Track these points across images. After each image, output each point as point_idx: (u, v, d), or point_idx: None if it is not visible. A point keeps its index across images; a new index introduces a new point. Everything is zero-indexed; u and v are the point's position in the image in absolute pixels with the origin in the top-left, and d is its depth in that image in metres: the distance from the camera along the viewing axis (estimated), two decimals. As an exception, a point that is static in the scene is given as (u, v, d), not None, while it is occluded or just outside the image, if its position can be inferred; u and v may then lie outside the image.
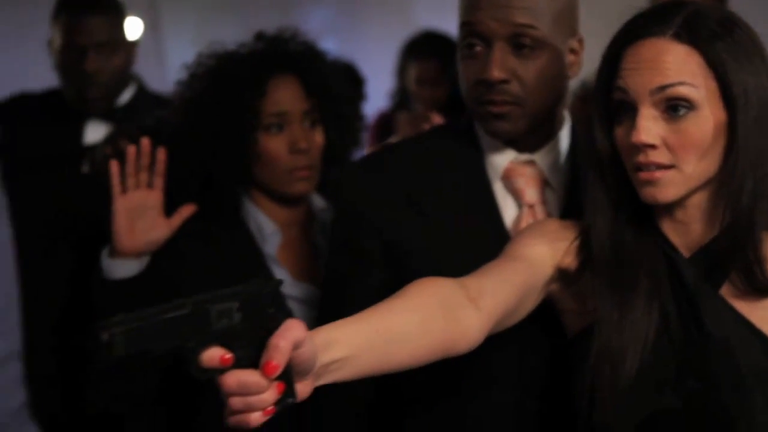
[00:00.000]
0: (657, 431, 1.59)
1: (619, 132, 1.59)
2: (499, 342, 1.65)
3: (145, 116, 2.68)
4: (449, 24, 4.16)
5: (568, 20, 1.82)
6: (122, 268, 2.08)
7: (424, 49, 4.03)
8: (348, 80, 2.43)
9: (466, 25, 1.80)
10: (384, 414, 1.94)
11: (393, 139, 2.36)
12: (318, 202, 2.29)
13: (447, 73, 3.87)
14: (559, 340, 1.74)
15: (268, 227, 2.20)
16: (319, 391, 1.38)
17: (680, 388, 1.58)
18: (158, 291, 2.02)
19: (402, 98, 4.17)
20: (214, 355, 1.22)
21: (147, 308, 1.19)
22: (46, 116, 2.98)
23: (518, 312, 1.63)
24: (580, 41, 1.84)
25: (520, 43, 1.77)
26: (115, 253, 2.09)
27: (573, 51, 1.83)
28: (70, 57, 3.02)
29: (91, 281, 2.10)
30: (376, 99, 4.23)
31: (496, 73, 1.76)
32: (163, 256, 2.12)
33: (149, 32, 3.39)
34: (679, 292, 1.61)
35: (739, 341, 1.58)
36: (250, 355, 1.23)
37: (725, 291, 1.61)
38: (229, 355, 1.22)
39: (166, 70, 5.42)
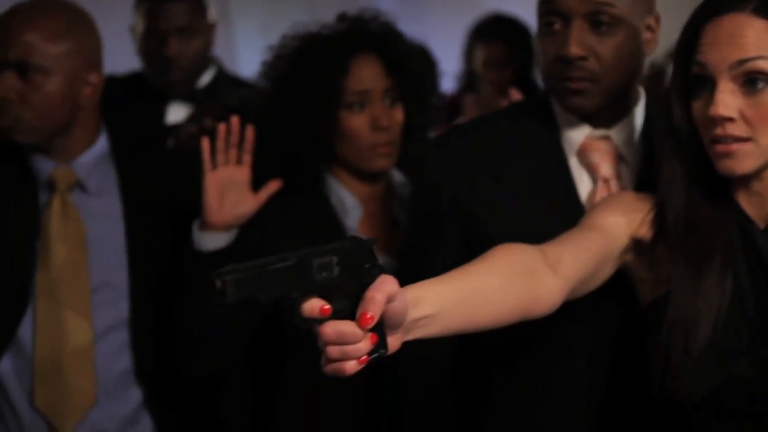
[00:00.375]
0: (730, 398, 1.64)
1: (697, 106, 1.64)
2: (574, 311, 1.71)
3: (227, 96, 2.80)
4: (515, 7, 4.23)
5: None
6: (212, 240, 2.17)
7: (491, 32, 4.07)
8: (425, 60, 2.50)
9: (545, 3, 1.86)
10: (462, 384, 2.02)
11: (460, 120, 2.43)
12: (398, 177, 2.36)
13: (513, 55, 3.94)
14: (633, 310, 1.79)
15: (349, 201, 2.28)
16: (400, 357, 1.47)
17: (754, 356, 1.63)
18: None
19: (469, 80, 4.20)
20: (314, 305, 1.29)
21: (256, 260, 1.27)
22: (130, 98, 3.12)
23: (594, 279, 1.69)
24: (657, 19, 1.89)
25: (598, 20, 1.82)
26: (205, 226, 2.17)
27: (650, 28, 1.88)
28: (152, 42, 3.19)
29: (183, 253, 2.20)
30: (443, 82, 4.32)
31: (575, 50, 1.82)
32: (249, 228, 2.20)
33: (219, 19, 3.51)
34: (753, 263, 1.66)
35: None
36: (347, 308, 1.31)
37: None
38: (328, 306, 1.29)
39: (235, 56, 5.53)
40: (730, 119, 1.59)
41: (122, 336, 2.30)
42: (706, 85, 1.62)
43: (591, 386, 1.88)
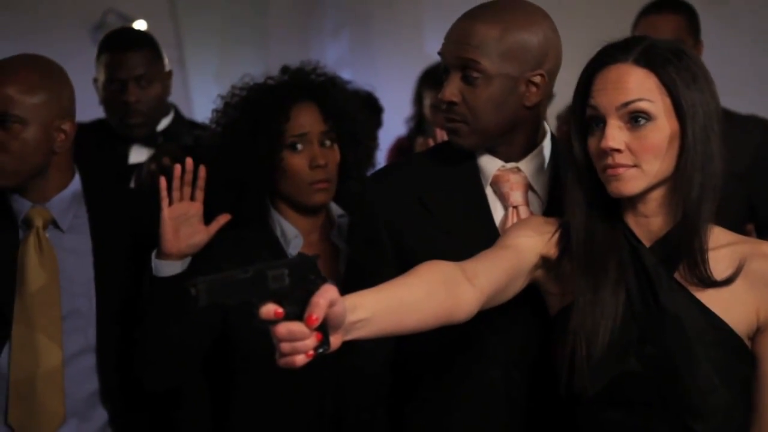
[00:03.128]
0: (622, 390, 1.89)
1: (592, 142, 1.90)
2: (491, 322, 1.96)
3: (184, 136, 2.99)
4: None
5: (519, 56, 2.08)
6: (168, 268, 2.34)
7: (439, 78, 4.24)
8: (366, 107, 2.72)
9: (440, 55, 2.15)
10: (396, 386, 2.24)
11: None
12: (335, 209, 2.56)
13: None
14: (543, 319, 2.02)
15: (291, 232, 2.48)
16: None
17: (641, 354, 1.88)
18: None
19: (419, 123, 4.38)
20: (269, 309, 1.54)
21: (223, 272, 1.52)
22: (96, 142, 3.28)
23: (507, 291, 1.93)
24: (542, 75, 2.10)
25: (468, 74, 2.09)
26: (162, 254, 2.34)
27: (532, 83, 2.10)
28: (113, 90, 3.35)
29: (143, 278, 2.38)
30: (390, 126, 4.44)
31: (447, 95, 2.11)
32: (200, 257, 2.39)
33: (175, 67, 3.66)
34: (641, 276, 1.91)
35: (688, 315, 1.87)
36: (296, 311, 1.55)
37: (679, 276, 1.90)
38: (281, 310, 1.54)
39: (191, 102, 5.68)
40: (618, 150, 1.85)
41: (90, 360, 2.46)
42: (599, 123, 1.88)
43: (507, 388, 2.10)
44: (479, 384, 2.12)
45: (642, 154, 1.86)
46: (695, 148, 1.86)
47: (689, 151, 1.86)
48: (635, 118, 1.86)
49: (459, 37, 2.09)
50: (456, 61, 2.09)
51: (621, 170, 1.86)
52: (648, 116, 1.85)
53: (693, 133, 1.86)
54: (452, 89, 2.10)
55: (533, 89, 2.11)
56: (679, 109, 1.86)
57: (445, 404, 2.15)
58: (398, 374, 2.22)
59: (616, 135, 1.86)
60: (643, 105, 1.86)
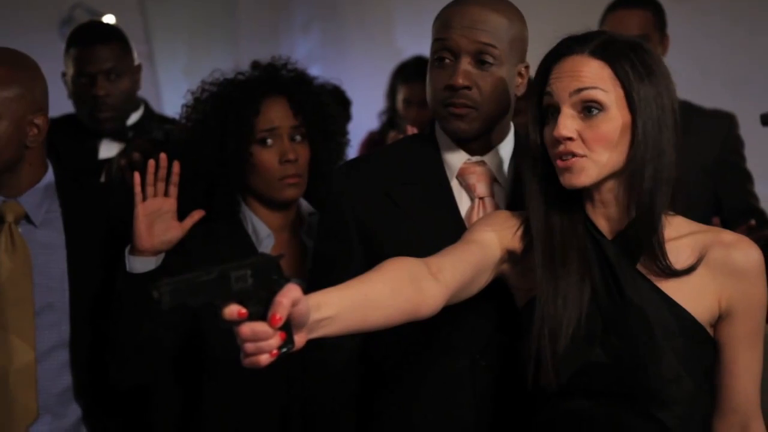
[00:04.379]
0: (588, 381, 1.92)
1: (547, 131, 1.93)
2: (457, 315, 1.98)
3: (154, 131, 2.99)
4: (428, 50, 4.43)
5: (519, 47, 2.16)
6: (142, 264, 2.34)
7: (412, 73, 4.25)
8: (335, 101, 2.72)
9: (438, 41, 2.15)
10: (362, 387, 2.26)
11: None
12: (306, 207, 2.58)
13: None
14: (510, 311, 2.05)
15: (263, 231, 2.49)
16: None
17: (605, 344, 1.91)
18: None
19: (391, 118, 4.41)
20: (233, 310, 1.55)
21: (186, 273, 1.52)
22: (66, 137, 3.28)
23: (473, 286, 1.95)
24: (527, 68, 2.19)
25: (482, 58, 2.11)
26: (135, 251, 2.34)
27: (520, 74, 2.17)
28: (82, 84, 3.34)
29: (116, 274, 2.38)
30: (360, 120, 4.45)
31: (461, 80, 2.11)
32: (175, 253, 2.39)
33: (144, 62, 3.66)
34: (605, 268, 1.94)
35: (652, 306, 1.91)
36: (260, 311, 1.56)
37: (641, 266, 1.94)
38: (244, 310, 1.55)
39: (160, 97, 5.67)
40: (570, 138, 1.89)
41: (64, 356, 2.45)
42: (554, 113, 1.92)
43: (473, 379, 2.13)
44: (446, 375, 2.15)
45: (593, 144, 1.89)
46: (646, 141, 1.90)
47: (639, 143, 1.90)
48: (588, 108, 1.90)
49: (472, 23, 2.10)
50: (471, 45, 2.11)
51: (571, 161, 1.89)
52: (600, 106, 1.89)
53: (644, 126, 1.89)
54: (465, 74, 2.11)
55: (520, 80, 2.17)
56: (631, 102, 1.90)
57: (412, 395, 2.17)
58: (365, 368, 2.25)
59: (568, 123, 1.89)
60: (595, 94, 1.89)
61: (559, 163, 1.91)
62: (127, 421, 2.58)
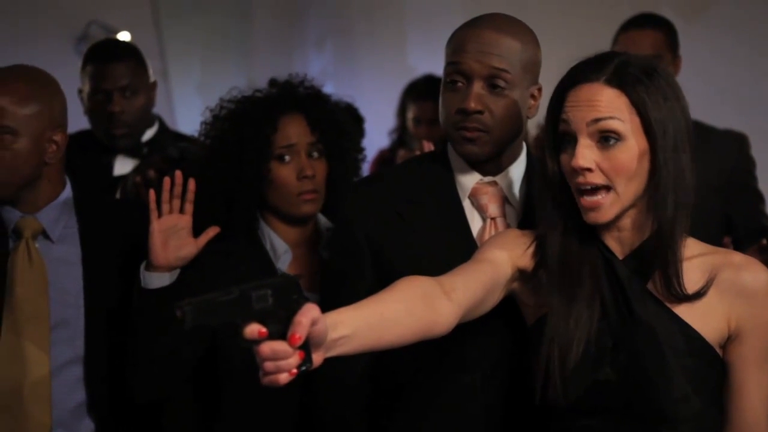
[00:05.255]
0: (597, 399, 1.93)
1: (564, 159, 1.94)
2: (469, 333, 2.00)
3: (169, 148, 3.01)
4: (439, 68, 4.45)
5: (532, 70, 2.17)
6: (157, 280, 2.37)
7: (423, 92, 4.26)
8: (350, 118, 2.74)
9: (451, 65, 2.16)
10: (375, 401, 2.27)
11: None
12: (324, 222, 2.60)
13: None
14: (521, 328, 2.07)
15: (280, 247, 2.51)
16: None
17: (615, 363, 1.93)
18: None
19: (402, 136, 4.43)
20: (253, 329, 1.57)
21: (207, 293, 1.55)
22: (81, 153, 3.27)
23: (485, 304, 1.97)
24: (539, 89, 2.19)
25: (494, 83, 2.13)
26: (151, 267, 2.37)
27: (533, 96, 2.18)
28: (98, 100, 3.36)
29: (132, 290, 2.40)
30: (371, 138, 4.44)
31: (473, 105, 2.12)
32: (189, 270, 2.41)
33: (158, 79, 3.68)
34: (615, 287, 1.96)
35: (661, 325, 1.93)
36: (279, 331, 1.59)
37: (652, 286, 1.95)
38: (264, 330, 1.57)
39: (174, 114, 5.69)
40: (589, 169, 1.90)
41: (78, 371, 2.47)
42: (571, 141, 1.93)
43: (485, 397, 2.15)
44: (458, 390, 2.17)
45: (613, 175, 1.90)
46: (666, 167, 1.91)
47: (661, 170, 1.91)
48: (606, 138, 1.90)
49: (485, 47, 2.11)
50: (483, 70, 2.12)
51: (596, 200, 1.90)
52: (618, 136, 1.90)
53: (664, 153, 1.90)
54: (477, 98, 2.12)
55: (533, 102, 2.18)
56: (648, 129, 1.90)
57: (424, 409, 2.19)
58: (378, 382, 2.26)
59: (586, 154, 1.90)
60: (613, 124, 1.90)
61: (584, 201, 1.92)
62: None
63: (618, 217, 1.94)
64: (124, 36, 5.20)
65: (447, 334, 1.88)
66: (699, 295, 1.93)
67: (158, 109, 3.65)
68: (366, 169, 3.79)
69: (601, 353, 1.93)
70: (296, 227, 2.56)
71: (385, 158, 4.47)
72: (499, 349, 2.14)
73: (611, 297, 1.96)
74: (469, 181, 2.21)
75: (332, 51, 6.24)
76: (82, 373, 2.47)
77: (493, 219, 2.20)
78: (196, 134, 2.64)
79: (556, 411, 1.97)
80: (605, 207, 1.91)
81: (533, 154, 2.27)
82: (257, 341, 1.57)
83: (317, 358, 1.63)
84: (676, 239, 1.93)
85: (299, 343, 1.58)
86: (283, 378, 1.59)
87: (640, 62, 1.95)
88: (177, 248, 2.40)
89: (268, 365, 1.58)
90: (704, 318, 1.94)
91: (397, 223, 2.19)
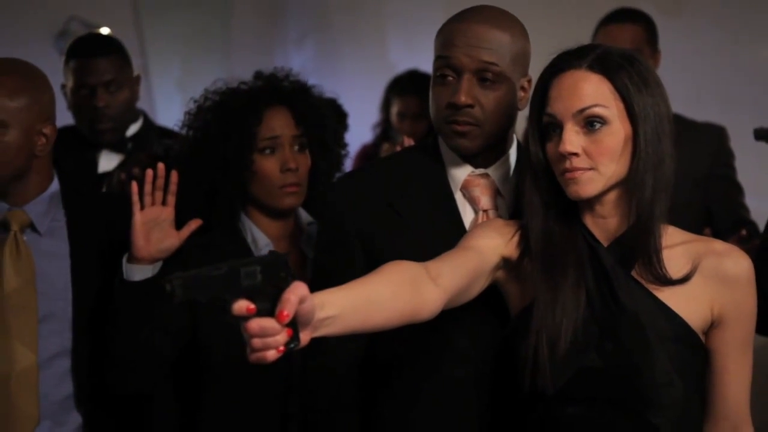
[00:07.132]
0: (583, 386, 1.96)
1: (550, 147, 1.97)
2: (459, 320, 2.02)
3: (153, 145, 3.01)
4: (420, 63, 4.48)
5: (522, 62, 2.18)
6: (139, 272, 2.36)
7: (407, 86, 4.29)
8: (333, 113, 2.74)
9: (441, 59, 2.16)
10: (367, 383, 2.28)
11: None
12: (305, 216, 2.60)
13: (426, 108, 4.16)
14: (505, 319, 2.08)
15: (262, 240, 2.52)
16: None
17: (600, 350, 1.95)
18: None
19: (385, 130, 4.43)
20: (242, 305, 1.57)
21: (196, 269, 1.55)
22: (65, 149, 3.31)
23: (470, 291, 1.98)
24: (529, 81, 2.20)
25: (484, 76, 2.14)
26: (133, 259, 2.37)
27: (523, 88, 2.19)
28: (82, 96, 3.36)
29: (114, 282, 2.40)
30: (354, 133, 4.44)
31: (464, 99, 2.12)
32: (171, 262, 2.41)
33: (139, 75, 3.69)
34: (599, 275, 1.98)
35: (646, 312, 1.95)
36: (267, 308, 1.59)
37: (636, 274, 1.97)
38: (252, 306, 1.57)
39: (154, 109, 5.66)
40: (575, 154, 1.92)
41: (65, 364, 2.47)
42: (556, 129, 1.95)
43: (475, 385, 2.16)
44: (448, 380, 2.18)
45: (598, 157, 1.93)
46: (647, 150, 1.93)
47: (641, 153, 1.93)
48: (591, 123, 1.93)
49: (475, 41, 2.12)
50: (473, 63, 2.12)
51: (578, 173, 1.93)
52: (603, 121, 1.93)
53: (645, 136, 1.93)
54: (467, 92, 2.13)
55: (523, 94, 2.19)
56: (631, 113, 1.93)
57: (413, 399, 2.20)
58: (368, 372, 2.27)
59: (573, 139, 1.93)
60: (598, 110, 1.93)
61: (566, 176, 1.94)
62: (127, 429, 2.60)
63: (599, 199, 1.97)
64: (104, 32, 5.18)
65: (438, 322, 1.89)
66: (683, 280, 1.95)
67: (138, 104, 3.63)
68: (348, 164, 3.81)
69: (587, 341, 1.95)
70: (277, 221, 2.56)
71: (368, 153, 4.47)
72: (491, 339, 2.15)
73: (595, 285, 1.97)
74: (460, 173, 2.22)
75: (313, 48, 6.24)
76: (70, 365, 2.48)
77: (485, 211, 2.21)
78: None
79: (542, 399, 1.98)
80: (586, 180, 1.93)
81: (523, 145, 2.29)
82: (245, 317, 1.57)
83: (304, 336, 1.63)
84: (656, 221, 1.95)
85: (287, 320, 1.58)
86: (271, 355, 1.58)
87: (619, 50, 1.98)
88: (159, 240, 2.40)
89: (256, 342, 1.57)
90: (688, 304, 1.97)
91: (388, 216, 2.20)
